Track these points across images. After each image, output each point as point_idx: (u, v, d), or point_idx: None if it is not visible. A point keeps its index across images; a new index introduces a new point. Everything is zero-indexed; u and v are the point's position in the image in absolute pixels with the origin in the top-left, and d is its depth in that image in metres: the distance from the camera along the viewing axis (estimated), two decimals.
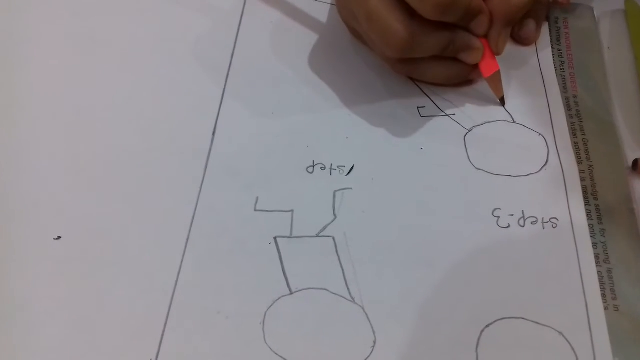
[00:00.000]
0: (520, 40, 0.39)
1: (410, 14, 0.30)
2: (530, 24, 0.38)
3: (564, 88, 0.37)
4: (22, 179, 0.30)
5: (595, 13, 0.41)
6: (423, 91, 0.36)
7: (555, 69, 0.38)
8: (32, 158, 0.31)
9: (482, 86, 0.36)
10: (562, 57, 0.39)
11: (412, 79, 0.36)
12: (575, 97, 0.36)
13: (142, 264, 0.28)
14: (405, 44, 0.30)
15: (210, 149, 0.32)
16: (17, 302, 0.27)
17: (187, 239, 0.29)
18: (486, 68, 0.34)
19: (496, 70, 0.34)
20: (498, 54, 0.33)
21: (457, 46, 0.32)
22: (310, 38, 0.38)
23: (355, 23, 0.33)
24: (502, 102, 0.36)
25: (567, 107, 0.36)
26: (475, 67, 0.34)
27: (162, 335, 0.26)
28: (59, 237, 0.28)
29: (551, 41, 0.39)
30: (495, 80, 0.34)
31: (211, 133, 0.33)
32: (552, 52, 0.39)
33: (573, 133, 0.35)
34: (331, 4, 0.40)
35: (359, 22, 0.32)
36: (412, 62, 0.33)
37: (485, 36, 0.33)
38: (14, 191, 0.30)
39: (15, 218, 0.29)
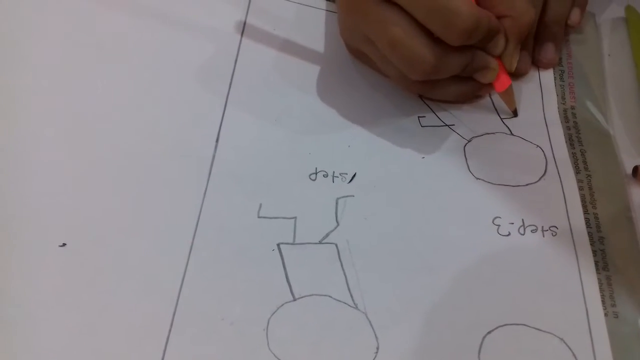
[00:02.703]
0: (541, 64, 0.39)
1: (433, 38, 0.30)
2: (550, 47, 0.38)
3: (562, 99, 0.37)
4: (26, 186, 0.30)
5: (596, 20, 0.41)
6: (424, 101, 0.36)
7: (555, 78, 0.38)
8: (35, 165, 0.31)
9: (483, 99, 0.37)
10: (562, 66, 0.39)
11: (421, 96, 0.37)
12: (573, 108, 0.37)
13: (146, 270, 0.28)
14: (431, 68, 0.31)
15: (213, 156, 0.33)
16: (22, 308, 0.27)
17: (191, 246, 0.29)
18: (500, 83, 0.34)
19: (509, 85, 0.35)
20: (511, 71, 0.34)
21: (475, 66, 0.33)
22: (314, 46, 0.38)
23: (365, 46, 0.33)
24: (515, 113, 0.36)
25: (565, 119, 0.37)
26: (488, 84, 0.35)
27: (167, 341, 0.26)
28: (64, 244, 0.28)
29: None
30: (509, 94, 0.35)
31: (214, 140, 0.33)
32: None
33: (570, 144, 0.35)
34: (335, 12, 0.40)
35: (378, 48, 0.32)
36: (429, 83, 0.33)
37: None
38: (18, 198, 0.30)
39: (19, 225, 0.29)
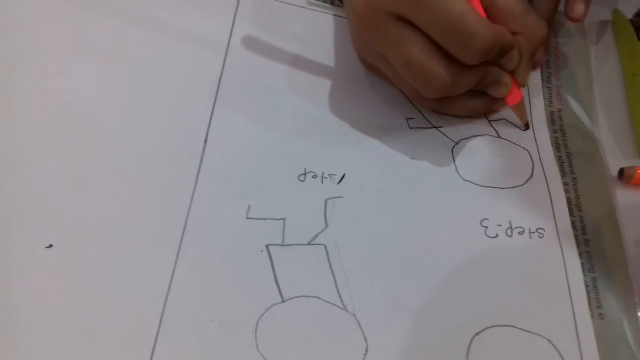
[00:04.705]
0: (573, 19, 0.39)
1: (448, 56, 0.30)
2: (581, 5, 0.38)
3: (549, 102, 0.38)
4: (13, 187, 0.30)
5: (583, 23, 0.42)
6: (412, 103, 0.37)
7: (542, 81, 0.39)
8: (22, 166, 0.30)
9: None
10: (549, 67, 0.40)
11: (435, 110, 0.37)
12: (559, 111, 0.37)
13: (134, 272, 0.28)
14: (446, 87, 0.31)
15: (202, 157, 0.32)
16: (8, 310, 0.26)
17: (179, 247, 0.29)
18: (512, 97, 0.35)
19: (521, 98, 0.35)
20: (523, 86, 0.35)
21: (488, 81, 0.33)
22: (302, 47, 0.38)
23: (380, 63, 0.33)
24: (527, 126, 0.36)
25: (551, 122, 0.37)
26: (501, 98, 0.35)
27: (155, 343, 0.26)
28: (51, 245, 0.28)
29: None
30: (521, 108, 0.35)
31: (203, 141, 0.33)
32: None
33: (556, 147, 0.36)
34: (323, 12, 0.40)
35: (394, 66, 0.32)
36: (442, 99, 0.33)
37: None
38: (4, 199, 0.29)
39: (5, 226, 0.28)
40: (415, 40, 0.30)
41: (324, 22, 0.40)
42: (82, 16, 0.37)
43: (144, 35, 0.37)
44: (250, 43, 0.38)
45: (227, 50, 0.37)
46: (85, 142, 0.32)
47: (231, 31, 0.38)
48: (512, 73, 0.34)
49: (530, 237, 0.32)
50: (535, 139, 0.36)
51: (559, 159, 0.35)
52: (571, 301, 0.30)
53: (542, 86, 0.39)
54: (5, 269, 0.27)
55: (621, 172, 0.34)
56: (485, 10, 0.32)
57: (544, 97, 0.38)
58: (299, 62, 0.37)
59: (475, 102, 0.35)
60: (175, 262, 0.29)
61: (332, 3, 0.41)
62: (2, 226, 0.28)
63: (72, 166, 0.31)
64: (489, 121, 0.37)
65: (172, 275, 0.28)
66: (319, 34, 0.39)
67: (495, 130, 0.36)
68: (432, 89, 0.31)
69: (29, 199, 0.29)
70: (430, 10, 0.29)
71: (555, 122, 0.37)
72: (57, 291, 0.27)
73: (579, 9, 0.38)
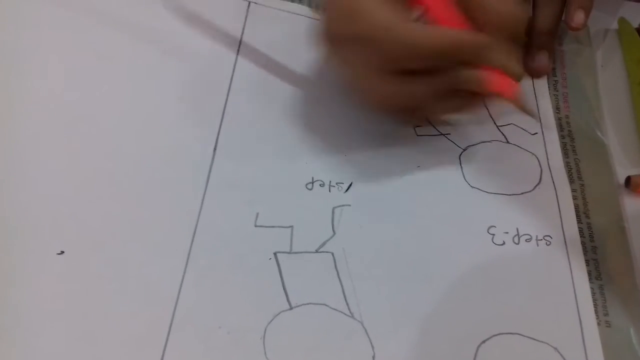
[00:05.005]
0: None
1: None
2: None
3: (556, 108, 0.38)
4: (24, 193, 0.30)
5: (589, 32, 0.42)
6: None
7: (549, 88, 0.39)
8: (34, 173, 0.31)
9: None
10: (556, 76, 0.40)
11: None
12: (567, 117, 0.37)
13: (144, 279, 0.28)
14: (385, 99, 0.32)
15: (211, 165, 0.33)
16: (20, 316, 0.27)
17: (189, 254, 0.29)
18: (505, 91, 0.31)
19: (516, 91, 0.31)
20: (518, 74, 0.31)
21: (463, 81, 0.31)
22: (311, 56, 0.38)
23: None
24: (535, 117, 0.34)
25: (560, 128, 0.37)
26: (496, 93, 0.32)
27: (164, 350, 0.27)
28: (62, 252, 0.29)
29: None
30: (519, 101, 0.32)
31: (212, 149, 0.33)
32: None
33: (565, 153, 0.36)
34: None
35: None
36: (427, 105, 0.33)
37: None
38: (16, 206, 0.30)
39: (18, 233, 0.29)
40: (355, 58, 0.30)
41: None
42: (90, 21, 0.37)
43: (154, 41, 0.37)
44: (261, 50, 0.38)
45: (236, 59, 0.37)
46: (96, 150, 0.32)
47: (241, 38, 0.38)
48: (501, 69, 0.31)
49: (538, 245, 0.32)
50: (544, 145, 0.36)
51: (567, 165, 0.35)
52: (578, 309, 0.30)
53: (550, 94, 0.39)
54: (18, 274, 0.28)
55: (628, 180, 0.34)
56: (462, 6, 0.31)
57: (552, 105, 0.38)
58: (307, 71, 0.38)
59: (455, 103, 0.33)
60: (185, 269, 0.29)
61: None
62: (14, 232, 0.29)
63: (82, 174, 0.31)
64: (497, 127, 0.37)
65: (182, 281, 0.29)
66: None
67: (504, 136, 0.36)
68: (372, 103, 0.32)
69: (42, 206, 0.30)
70: (359, 26, 0.29)
71: (564, 128, 0.37)
72: (68, 297, 0.27)
73: (578, 18, 0.38)
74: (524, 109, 0.32)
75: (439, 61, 0.30)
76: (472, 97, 0.33)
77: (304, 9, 0.41)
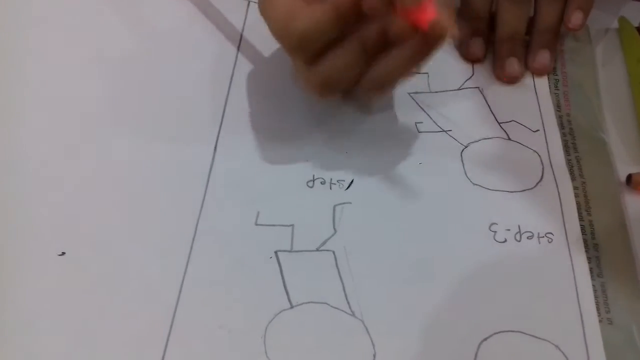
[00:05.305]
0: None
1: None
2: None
3: (557, 106, 0.38)
4: (26, 195, 0.30)
5: (589, 31, 0.41)
6: (420, 106, 0.37)
7: (550, 87, 0.39)
8: (35, 174, 0.31)
9: (479, 103, 0.37)
10: (556, 74, 0.39)
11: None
12: (568, 115, 0.37)
13: (144, 278, 0.29)
14: (318, 84, 0.30)
15: (211, 164, 0.33)
16: (21, 317, 0.27)
17: (189, 254, 0.30)
18: (423, 21, 0.27)
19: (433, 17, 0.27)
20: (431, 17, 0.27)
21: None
22: None
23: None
24: (453, 36, 0.28)
25: (561, 126, 0.37)
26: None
27: (165, 350, 0.27)
28: (63, 253, 0.29)
29: None
30: (437, 24, 0.27)
31: (213, 148, 0.33)
32: None
33: (566, 151, 0.35)
34: None
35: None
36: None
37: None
38: (17, 207, 0.30)
39: (18, 234, 0.29)
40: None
41: None
42: (87, 16, 0.38)
43: (154, 41, 0.37)
44: (261, 50, 0.38)
45: (236, 57, 0.37)
46: (96, 150, 0.32)
47: (240, 38, 0.38)
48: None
49: (539, 242, 0.32)
50: (546, 141, 0.36)
51: (568, 162, 0.35)
52: (579, 306, 0.29)
53: (550, 92, 0.38)
54: (18, 276, 0.28)
55: (629, 178, 0.34)
56: None
57: (552, 103, 0.38)
58: None
59: (386, 63, 0.30)
60: (186, 268, 0.29)
61: None
62: (14, 234, 0.29)
63: (83, 175, 0.31)
64: (499, 123, 0.37)
65: (182, 281, 0.29)
66: None
67: (506, 133, 0.36)
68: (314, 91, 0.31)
69: (43, 207, 0.30)
70: (267, 22, 0.30)
71: (565, 126, 0.37)
72: (69, 297, 0.28)
73: (576, 18, 0.38)
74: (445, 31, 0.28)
75: (342, 24, 0.28)
76: (400, 51, 0.30)
77: None
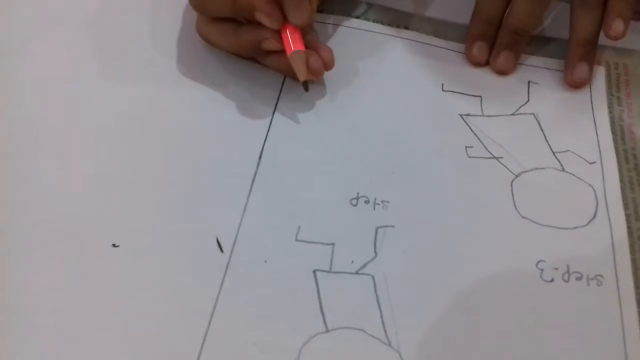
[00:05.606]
0: (573, 84, 0.38)
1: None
2: (584, 67, 0.38)
3: (622, 139, 0.36)
4: (80, 196, 0.31)
5: None
6: (472, 131, 0.35)
7: (614, 118, 0.37)
8: (85, 179, 0.31)
9: (534, 130, 0.36)
10: (621, 105, 0.38)
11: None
12: (633, 149, 0.35)
13: (181, 288, 0.28)
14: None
15: (255, 173, 0.32)
16: (61, 321, 0.27)
17: (227, 264, 0.29)
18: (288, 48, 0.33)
19: (296, 51, 0.33)
20: (301, 23, 0.33)
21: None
22: (357, 65, 0.38)
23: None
24: (305, 86, 0.34)
25: (625, 160, 0.35)
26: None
27: None
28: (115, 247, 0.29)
29: (610, 89, 0.38)
30: (296, 61, 0.33)
31: (257, 157, 0.33)
32: (611, 100, 0.38)
33: (631, 188, 0.34)
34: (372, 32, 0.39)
35: None
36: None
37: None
38: (70, 205, 0.30)
39: (74, 228, 0.29)
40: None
41: (379, 43, 0.39)
42: (135, 26, 0.37)
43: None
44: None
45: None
46: (142, 156, 0.32)
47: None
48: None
49: (588, 284, 0.30)
50: (602, 175, 0.34)
51: (633, 200, 0.33)
52: (626, 356, 0.28)
53: (614, 122, 0.36)
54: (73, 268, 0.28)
55: None
56: None
57: (615, 134, 0.36)
58: (356, 80, 0.37)
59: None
60: (223, 280, 0.29)
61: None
62: (69, 230, 0.29)
63: (128, 179, 0.31)
64: (553, 153, 0.35)
65: (219, 293, 0.28)
66: (375, 53, 0.39)
67: (560, 163, 0.35)
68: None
69: (92, 208, 0.30)
70: None
71: (630, 161, 0.35)
72: (104, 302, 0.27)
73: (617, 27, 0.37)
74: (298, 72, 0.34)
75: (233, 12, 0.33)
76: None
77: (363, 24, 0.40)
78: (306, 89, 0.34)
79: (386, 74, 0.38)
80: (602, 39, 0.38)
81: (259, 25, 0.33)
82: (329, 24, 0.40)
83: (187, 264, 0.29)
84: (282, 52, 0.33)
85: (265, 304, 0.28)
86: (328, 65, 0.35)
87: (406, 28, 0.40)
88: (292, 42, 0.33)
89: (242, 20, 0.34)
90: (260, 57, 0.35)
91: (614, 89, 0.38)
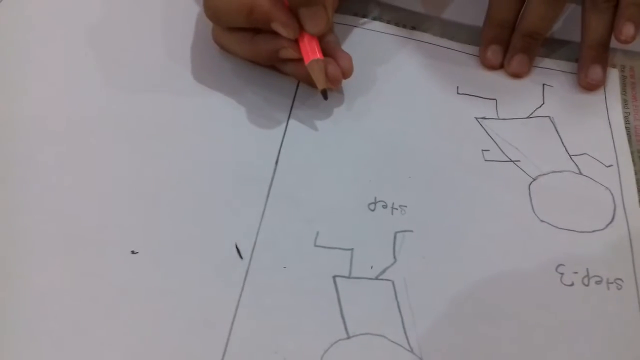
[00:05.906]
0: (588, 85, 0.38)
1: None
2: (597, 69, 0.38)
3: (629, 142, 0.36)
4: (97, 201, 0.30)
5: None
6: (488, 134, 0.35)
7: (624, 119, 0.37)
8: (106, 185, 0.31)
9: (550, 133, 0.36)
10: (627, 107, 0.38)
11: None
12: (639, 152, 0.35)
13: (201, 295, 0.28)
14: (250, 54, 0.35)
15: (272, 178, 0.32)
16: (74, 323, 0.27)
17: (247, 271, 0.29)
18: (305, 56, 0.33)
19: (314, 60, 0.33)
20: (317, 32, 0.33)
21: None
22: (371, 68, 0.38)
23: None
24: (324, 95, 0.34)
25: (634, 162, 0.35)
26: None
27: None
28: (134, 253, 0.28)
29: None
30: (315, 70, 0.33)
31: (274, 162, 0.33)
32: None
33: (639, 190, 0.34)
34: (398, 36, 0.39)
35: None
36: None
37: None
38: (85, 209, 0.30)
39: (90, 233, 0.29)
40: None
41: (393, 45, 0.39)
42: (152, 32, 0.37)
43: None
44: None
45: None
46: (157, 162, 0.32)
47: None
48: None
49: (608, 288, 0.30)
50: (619, 178, 0.34)
51: None
52: None
53: (630, 127, 0.36)
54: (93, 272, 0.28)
55: None
56: None
57: (628, 135, 0.36)
58: (372, 87, 0.37)
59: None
60: (242, 288, 0.29)
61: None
62: (86, 236, 0.29)
63: (145, 187, 0.31)
64: (570, 156, 0.35)
65: (239, 301, 0.28)
66: (393, 59, 0.39)
67: (577, 166, 0.35)
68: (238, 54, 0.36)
69: (110, 213, 0.30)
70: None
71: (636, 163, 0.35)
72: (126, 310, 0.27)
73: (627, 31, 0.37)
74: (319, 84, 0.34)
75: (249, 23, 0.32)
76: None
77: (381, 26, 0.40)
78: (325, 97, 0.34)
79: (401, 77, 0.37)
80: (611, 41, 0.38)
81: (276, 33, 0.33)
82: (342, 24, 0.40)
83: (207, 271, 0.29)
84: (301, 59, 0.33)
85: (285, 311, 0.28)
86: (346, 73, 0.34)
87: (414, 29, 0.40)
88: (310, 51, 0.33)
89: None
90: (279, 65, 0.35)
91: (621, 91, 0.38)
